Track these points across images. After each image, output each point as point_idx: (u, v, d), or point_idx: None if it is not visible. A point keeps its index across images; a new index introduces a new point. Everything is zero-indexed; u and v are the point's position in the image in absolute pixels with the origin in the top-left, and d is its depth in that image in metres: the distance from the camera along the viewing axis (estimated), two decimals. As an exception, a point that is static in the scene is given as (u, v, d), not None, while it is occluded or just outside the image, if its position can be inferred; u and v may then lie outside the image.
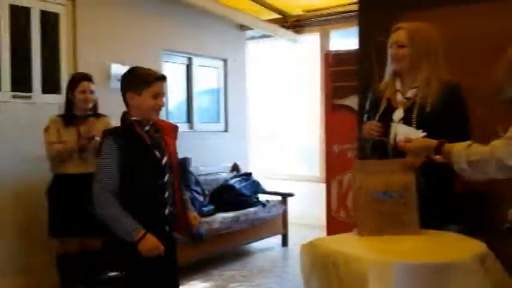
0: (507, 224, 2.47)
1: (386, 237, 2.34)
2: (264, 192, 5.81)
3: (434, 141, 2.23)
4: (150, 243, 2.42)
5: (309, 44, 6.75)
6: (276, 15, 6.50)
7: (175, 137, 2.70)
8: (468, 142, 2.10)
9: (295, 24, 6.62)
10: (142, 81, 2.48)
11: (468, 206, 3.03)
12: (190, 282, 4.42)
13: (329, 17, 6.30)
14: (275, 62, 7.33)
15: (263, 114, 7.40)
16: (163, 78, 2.54)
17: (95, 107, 3.82)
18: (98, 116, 3.80)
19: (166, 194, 2.54)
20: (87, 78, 3.78)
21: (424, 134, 2.42)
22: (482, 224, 3.10)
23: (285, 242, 5.77)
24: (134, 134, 2.49)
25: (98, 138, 3.18)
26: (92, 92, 3.76)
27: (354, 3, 5.40)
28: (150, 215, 2.47)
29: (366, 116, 2.86)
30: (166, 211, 2.54)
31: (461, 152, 2.06)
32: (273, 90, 7.37)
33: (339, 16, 6.12)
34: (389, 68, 2.77)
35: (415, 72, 2.69)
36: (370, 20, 3.93)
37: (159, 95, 2.51)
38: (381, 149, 2.69)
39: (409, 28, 2.70)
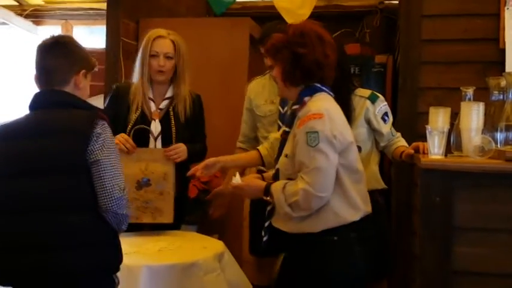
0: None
1: (138, 239, 2.37)
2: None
3: (263, 184, 2.09)
4: None
5: (51, 37, 6.31)
6: (13, 2, 5.93)
7: None
8: (283, 182, 2.01)
9: (34, 14, 6.14)
10: None
11: (201, 210, 3.29)
12: None
13: (72, 12, 6.00)
14: (11, 53, 6.66)
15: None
16: None
17: None
18: None
19: None
20: None
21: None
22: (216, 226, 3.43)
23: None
24: None
25: None
26: None
27: (99, 2, 5.31)
28: None
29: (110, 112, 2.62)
30: None
31: (279, 196, 1.98)
32: (6, 83, 6.68)
33: (83, 12, 5.89)
34: (146, 75, 2.68)
35: (171, 83, 2.71)
36: (118, 21, 3.93)
37: None
38: (142, 136, 2.66)
39: (174, 39, 2.67)
